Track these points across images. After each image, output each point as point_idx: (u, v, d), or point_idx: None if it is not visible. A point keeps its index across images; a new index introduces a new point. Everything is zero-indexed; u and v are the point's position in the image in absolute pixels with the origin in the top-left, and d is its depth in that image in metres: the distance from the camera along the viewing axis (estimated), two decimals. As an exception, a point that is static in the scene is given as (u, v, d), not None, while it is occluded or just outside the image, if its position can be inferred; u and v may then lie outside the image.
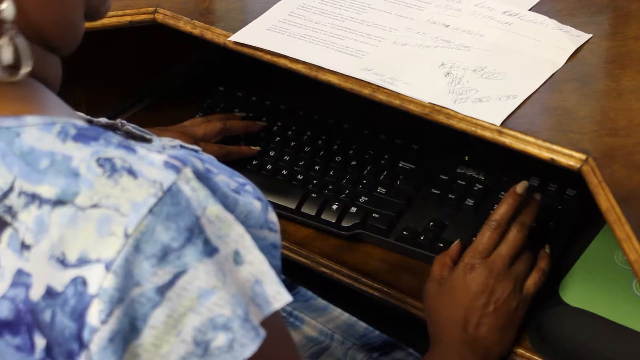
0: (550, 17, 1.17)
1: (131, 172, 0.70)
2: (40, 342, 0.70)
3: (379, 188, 1.25)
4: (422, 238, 1.19)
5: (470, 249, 1.09)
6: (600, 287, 1.08)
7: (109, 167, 0.70)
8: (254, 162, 1.31)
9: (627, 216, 0.92)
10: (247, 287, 0.72)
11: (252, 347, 0.71)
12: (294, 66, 1.12)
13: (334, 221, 1.22)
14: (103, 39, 1.22)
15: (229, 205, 0.73)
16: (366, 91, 1.08)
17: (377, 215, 1.21)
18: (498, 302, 1.07)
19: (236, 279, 0.72)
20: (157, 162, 0.71)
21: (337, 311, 1.23)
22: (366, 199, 1.24)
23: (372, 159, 1.29)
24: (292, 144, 1.33)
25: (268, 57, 1.14)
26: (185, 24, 1.21)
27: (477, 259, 1.08)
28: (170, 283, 0.69)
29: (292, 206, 1.24)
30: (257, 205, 0.75)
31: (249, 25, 1.18)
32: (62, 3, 0.77)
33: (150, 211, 0.69)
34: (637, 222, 0.92)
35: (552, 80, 1.08)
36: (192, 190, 0.70)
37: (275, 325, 0.76)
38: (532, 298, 1.09)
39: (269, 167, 1.30)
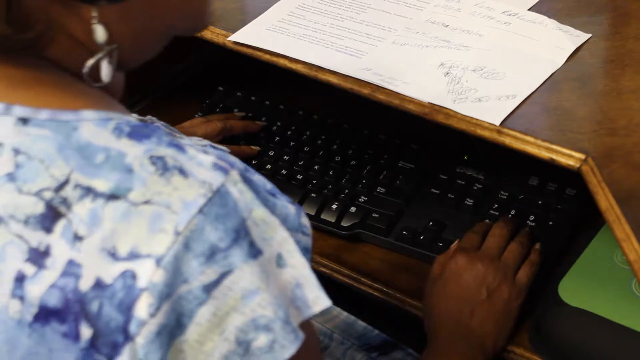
0: (549, 16, 1.17)
1: (182, 172, 0.72)
2: (86, 331, 0.71)
3: (379, 188, 1.25)
4: (421, 237, 1.19)
5: (458, 247, 1.12)
6: (600, 287, 1.08)
7: (161, 165, 0.72)
8: (253, 162, 1.31)
9: (626, 216, 0.92)
10: (288, 289, 0.74)
11: (291, 349, 0.73)
12: (294, 66, 1.13)
13: (333, 221, 1.22)
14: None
15: (270, 208, 0.74)
16: (365, 91, 1.08)
17: (376, 215, 1.21)
18: (490, 290, 1.08)
19: (278, 281, 0.73)
20: (206, 163, 0.73)
21: (336, 310, 1.23)
22: (366, 198, 1.24)
23: (371, 158, 1.29)
24: (292, 143, 1.33)
25: (267, 57, 1.14)
26: (184, 24, 1.21)
27: (466, 253, 1.10)
28: (217, 282, 0.71)
29: (292, 206, 1.24)
30: (291, 209, 0.76)
31: (248, 25, 1.19)
32: (139, 28, 0.80)
33: (200, 211, 0.71)
34: (637, 221, 0.92)
35: (552, 80, 1.08)
36: (239, 193, 0.72)
37: (309, 329, 0.78)
38: (526, 290, 1.09)
39: (268, 167, 1.30)
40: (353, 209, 1.23)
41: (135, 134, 0.74)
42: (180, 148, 0.74)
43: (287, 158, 1.31)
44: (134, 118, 0.77)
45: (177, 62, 1.52)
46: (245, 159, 1.31)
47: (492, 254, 1.10)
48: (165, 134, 0.75)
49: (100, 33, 0.76)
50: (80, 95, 0.77)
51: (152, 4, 0.79)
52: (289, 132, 1.35)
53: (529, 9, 1.19)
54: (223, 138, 1.32)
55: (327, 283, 1.20)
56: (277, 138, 1.34)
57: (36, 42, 0.75)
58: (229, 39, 1.17)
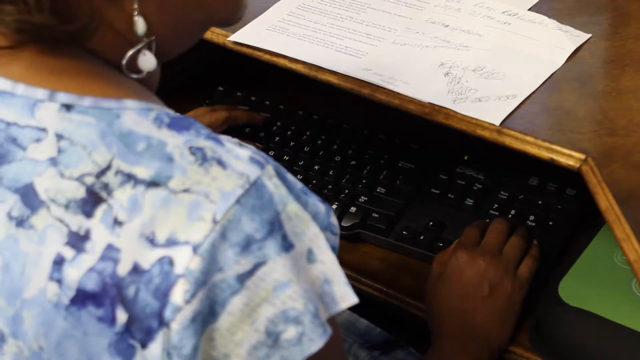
0: (549, 17, 1.17)
1: (220, 163, 0.73)
2: (121, 316, 0.72)
3: (379, 188, 1.25)
4: (421, 237, 1.19)
5: (458, 243, 1.12)
6: (600, 287, 1.08)
7: (201, 155, 0.73)
8: (253, 162, 1.31)
9: (626, 216, 0.92)
10: (316, 285, 0.75)
11: (319, 343, 0.74)
12: (294, 66, 1.13)
13: (333, 221, 1.22)
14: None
15: (302, 204, 0.75)
16: (366, 91, 1.08)
17: (376, 215, 1.22)
18: (492, 285, 1.08)
19: (308, 276, 0.74)
20: (243, 156, 0.74)
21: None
22: (366, 198, 1.24)
23: (371, 158, 1.29)
24: (292, 143, 1.33)
25: (267, 57, 1.15)
26: (184, 24, 1.21)
27: (466, 249, 1.10)
28: (250, 272, 0.72)
29: (292, 206, 1.24)
30: (321, 207, 0.77)
31: (248, 25, 1.19)
32: (179, 19, 0.82)
33: (238, 201, 0.72)
34: (637, 221, 0.92)
35: (552, 80, 1.08)
36: (275, 187, 0.73)
37: (334, 326, 0.78)
38: (528, 283, 1.10)
39: (268, 167, 1.30)
40: (353, 209, 1.23)
41: (175, 125, 0.75)
42: (218, 141, 0.75)
43: (287, 158, 1.31)
44: (171, 111, 0.78)
45: (177, 62, 1.52)
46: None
47: (493, 249, 1.10)
48: (203, 128, 0.76)
49: (140, 25, 0.78)
50: (122, 85, 0.79)
51: None
52: (289, 132, 1.35)
53: (529, 9, 1.19)
54: (226, 129, 1.33)
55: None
56: (277, 138, 1.34)
57: (79, 33, 0.77)
58: (229, 39, 1.17)
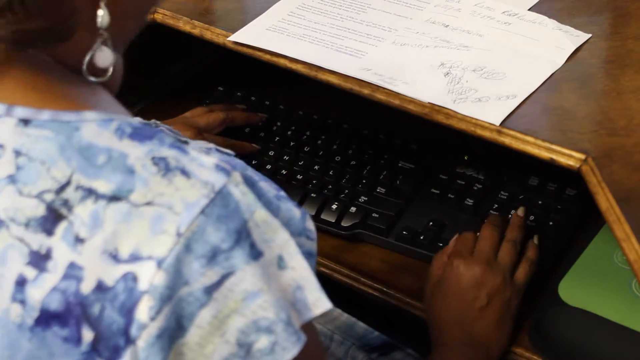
0: (549, 17, 1.17)
1: (184, 172, 0.71)
2: (87, 335, 0.71)
3: (379, 188, 1.25)
4: (421, 238, 1.19)
5: (453, 251, 1.11)
6: (600, 287, 1.08)
7: (164, 166, 0.71)
8: (253, 162, 1.31)
9: (626, 216, 0.92)
10: (288, 292, 0.73)
11: (293, 351, 0.72)
12: (294, 66, 1.13)
13: (333, 221, 1.22)
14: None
15: (272, 211, 0.74)
16: (366, 91, 1.08)
17: (376, 215, 1.21)
18: (490, 294, 1.07)
19: (279, 283, 0.73)
20: (208, 164, 0.72)
21: (336, 311, 1.23)
22: (366, 198, 1.24)
23: (371, 158, 1.29)
24: (292, 143, 1.33)
25: (267, 57, 1.14)
26: (184, 24, 1.21)
27: (463, 258, 1.09)
28: (218, 284, 0.70)
29: (292, 206, 1.24)
30: (296, 212, 0.76)
31: (248, 25, 1.19)
32: (142, 8, 0.81)
33: (202, 212, 0.70)
34: (637, 221, 0.92)
35: (552, 80, 1.08)
36: (242, 194, 0.72)
37: (311, 331, 0.77)
38: (524, 288, 1.09)
39: (268, 167, 1.30)
40: (353, 209, 1.23)
41: (137, 135, 0.73)
42: (182, 150, 0.73)
43: (287, 158, 1.31)
44: (136, 120, 0.76)
45: (177, 62, 1.52)
46: (246, 156, 1.31)
47: (488, 256, 1.09)
48: (167, 136, 0.74)
49: (105, 17, 0.76)
50: (82, 95, 0.76)
51: None
52: (289, 132, 1.35)
53: (529, 9, 1.19)
54: (225, 129, 1.33)
55: (327, 283, 1.20)
56: (277, 138, 1.34)
57: (67, 33, 0.74)
58: (229, 39, 1.17)
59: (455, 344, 1.07)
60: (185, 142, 0.76)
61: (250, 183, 0.73)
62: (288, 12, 1.21)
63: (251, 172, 0.75)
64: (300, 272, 0.74)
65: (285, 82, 1.34)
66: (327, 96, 1.27)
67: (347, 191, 1.25)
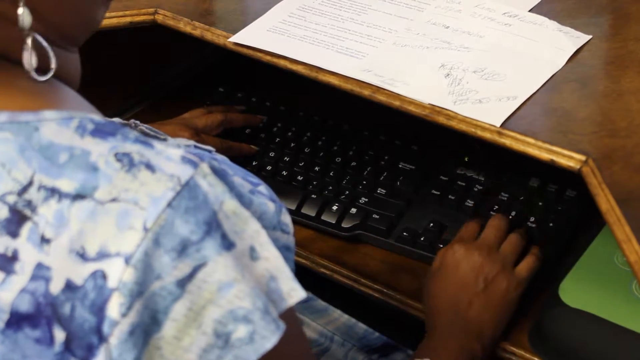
0: (550, 18, 1.17)
1: (149, 167, 0.71)
2: (59, 335, 0.70)
3: (379, 189, 1.25)
4: (422, 239, 1.19)
5: (456, 237, 1.12)
6: (600, 289, 1.08)
7: (127, 161, 0.70)
8: (253, 163, 1.31)
9: (627, 217, 0.92)
10: (262, 282, 0.73)
11: (272, 339, 0.72)
12: (294, 67, 1.13)
13: (334, 222, 1.22)
14: (103, 40, 1.21)
15: (244, 203, 0.73)
16: (366, 92, 1.08)
17: (377, 216, 1.21)
18: (487, 280, 1.07)
19: (253, 274, 0.72)
20: (174, 156, 0.72)
21: (336, 313, 1.23)
22: (366, 199, 1.24)
23: (371, 160, 1.29)
24: (292, 144, 1.33)
25: (268, 58, 1.14)
26: (185, 25, 1.21)
27: (464, 243, 1.10)
28: (190, 276, 0.70)
29: (292, 207, 1.24)
30: (270, 206, 0.75)
31: (249, 26, 1.19)
32: (78, 7, 0.78)
33: (169, 205, 0.69)
34: (637, 223, 0.92)
35: (552, 82, 1.08)
36: (209, 185, 0.71)
37: (291, 321, 0.77)
38: (526, 282, 1.09)
39: (268, 167, 1.30)
40: (353, 210, 1.22)
41: (99, 132, 0.72)
42: (147, 144, 0.72)
43: (287, 159, 1.31)
44: (99, 116, 0.75)
45: (178, 63, 1.52)
46: (245, 157, 1.31)
47: (490, 244, 1.10)
48: (131, 131, 0.73)
49: (25, 17, 0.73)
50: (39, 94, 0.75)
51: None
52: (290, 133, 1.35)
53: (529, 11, 1.19)
54: (223, 131, 1.32)
55: (327, 284, 1.20)
56: (278, 139, 1.34)
57: None
58: (229, 40, 1.17)
59: (448, 327, 1.06)
60: (163, 140, 0.75)
61: (220, 175, 0.72)
62: (288, 13, 1.21)
63: (226, 166, 0.74)
64: (274, 262, 0.73)
65: (286, 83, 1.34)
66: (328, 97, 1.27)
67: (347, 192, 1.25)
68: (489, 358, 1.07)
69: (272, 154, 1.32)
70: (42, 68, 0.75)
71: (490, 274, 1.08)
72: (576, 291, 1.08)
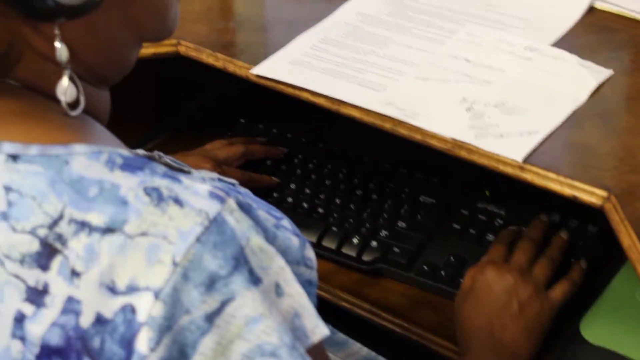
0: (571, 52, 1.17)
1: (177, 201, 0.71)
2: None
3: (400, 222, 1.25)
4: (442, 273, 1.18)
5: (486, 259, 1.11)
6: (623, 325, 1.07)
7: (156, 196, 0.71)
8: (274, 195, 1.31)
9: (649, 254, 0.92)
10: (288, 319, 0.73)
11: None
12: (316, 100, 1.13)
13: (354, 255, 1.22)
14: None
15: (269, 238, 0.74)
16: (388, 125, 1.08)
17: (397, 250, 1.21)
18: (521, 302, 1.06)
19: (279, 310, 0.73)
20: (202, 191, 0.72)
21: (356, 346, 1.22)
22: (387, 233, 1.23)
23: (392, 192, 1.29)
24: (313, 177, 1.33)
25: (290, 90, 1.15)
26: (207, 57, 1.22)
27: (495, 265, 1.09)
28: (219, 310, 0.70)
29: (313, 240, 1.24)
30: (294, 241, 0.76)
31: (270, 58, 1.19)
32: (109, 41, 0.79)
33: (198, 240, 0.70)
34: (660, 260, 0.92)
35: (574, 116, 1.08)
36: (236, 221, 0.72)
37: (318, 356, 0.77)
38: (560, 305, 1.08)
39: (289, 200, 1.30)
40: (374, 243, 1.22)
41: (128, 166, 0.73)
42: (174, 179, 0.73)
43: (308, 191, 1.31)
44: (126, 150, 0.76)
45: (199, 94, 1.53)
46: (265, 189, 1.31)
47: (522, 267, 1.09)
48: (159, 166, 0.74)
49: (63, 52, 0.75)
50: (69, 127, 0.76)
51: (118, 15, 0.78)
52: (310, 165, 1.35)
53: (550, 45, 1.19)
54: (246, 162, 1.33)
55: (348, 317, 1.20)
56: (299, 171, 1.34)
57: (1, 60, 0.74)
58: (251, 71, 1.17)
59: (482, 351, 1.05)
60: (187, 172, 0.75)
61: (246, 210, 0.73)
62: (310, 46, 1.21)
63: (250, 200, 0.75)
64: (298, 300, 0.74)
65: (307, 115, 1.34)
66: (349, 129, 1.27)
67: (368, 225, 1.25)
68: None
69: (292, 186, 1.32)
70: (73, 103, 0.76)
71: (524, 296, 1.06)
72: (598, 328, 1.07)
